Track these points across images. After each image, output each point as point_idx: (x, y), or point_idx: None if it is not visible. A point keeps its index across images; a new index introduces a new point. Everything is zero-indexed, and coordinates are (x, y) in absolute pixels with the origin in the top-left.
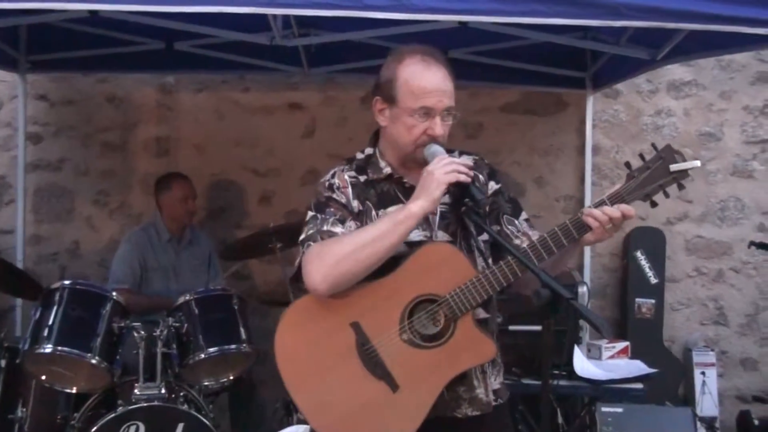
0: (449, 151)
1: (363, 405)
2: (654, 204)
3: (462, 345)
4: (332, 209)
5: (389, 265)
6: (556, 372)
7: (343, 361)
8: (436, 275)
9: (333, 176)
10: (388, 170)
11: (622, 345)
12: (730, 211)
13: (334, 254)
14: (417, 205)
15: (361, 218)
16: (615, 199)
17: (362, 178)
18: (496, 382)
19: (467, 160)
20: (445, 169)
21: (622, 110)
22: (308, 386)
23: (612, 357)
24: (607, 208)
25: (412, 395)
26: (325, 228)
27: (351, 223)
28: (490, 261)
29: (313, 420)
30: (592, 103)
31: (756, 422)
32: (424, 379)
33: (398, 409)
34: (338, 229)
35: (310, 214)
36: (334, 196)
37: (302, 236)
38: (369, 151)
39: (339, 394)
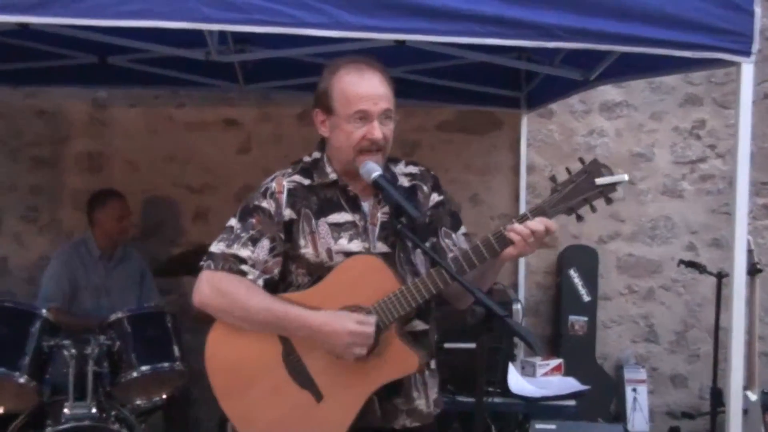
0: (394, 161)
1: (288, 414)
2: (579, 218)
3: (385, 357)
4: (254, 221)
5: (320, 274)
6: (491, 389)
7: (270, 371)
8: (362, 287)
9: (272, 180)
10: (333, 176)
11: (555, 362)
12: (660, 230)
13: (223, 301)
14: (314, 327)
15: (294, 226)
16: (537, 212)
17: (306, 182)
18: (433, 392)
19: (413, 169)
20: (352, 350)
21: (555, 130)
22: (236, 395)
23: (546, 374)
24: (530, 222)
25: (335, 405)
26: (233, 250)
27: (265, 242)
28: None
29: (241, 428)
30: (526, 123)
31: None
32: (347, 388)
33: (322, 418)
34: (246, 252)
35: (232, 221)
36: (264, 204)
37: (212, 246)
38: (316, 155)
39: (265, 402)
